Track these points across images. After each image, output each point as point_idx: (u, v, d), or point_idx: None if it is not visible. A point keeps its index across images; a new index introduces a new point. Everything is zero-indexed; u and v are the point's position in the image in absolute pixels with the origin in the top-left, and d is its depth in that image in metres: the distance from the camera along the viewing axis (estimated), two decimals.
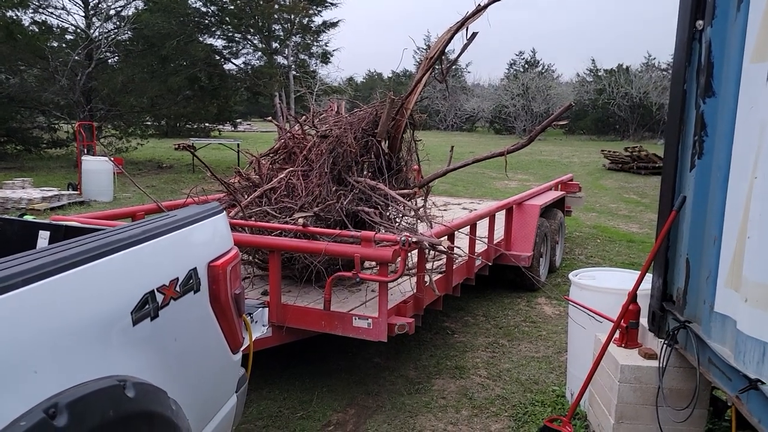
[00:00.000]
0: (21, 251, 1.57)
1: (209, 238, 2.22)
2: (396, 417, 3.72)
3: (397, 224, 4.40)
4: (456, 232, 4.71)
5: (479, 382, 4.24)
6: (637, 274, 3.15)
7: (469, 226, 4.99)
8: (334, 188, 4.17)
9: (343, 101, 5.13)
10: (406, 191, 4.42)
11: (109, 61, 19.96)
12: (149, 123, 21.51)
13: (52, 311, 1.42)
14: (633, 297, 3.06)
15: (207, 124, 23.65)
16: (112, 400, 1.47)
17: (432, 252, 4.08)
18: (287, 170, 4.36)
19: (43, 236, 2.28)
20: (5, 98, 17.37)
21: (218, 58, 20.82)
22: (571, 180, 8.92)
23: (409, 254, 3.88)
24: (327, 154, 4.21)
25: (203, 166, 4.25)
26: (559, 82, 46.93)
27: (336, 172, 4.27)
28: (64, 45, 19.25)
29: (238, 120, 29.98)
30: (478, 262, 5.21)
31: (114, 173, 12.10)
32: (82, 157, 12.41)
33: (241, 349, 2.45)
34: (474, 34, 4.18)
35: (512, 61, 53.49)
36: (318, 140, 4.36)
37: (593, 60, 51.51)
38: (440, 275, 4.60)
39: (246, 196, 4.38)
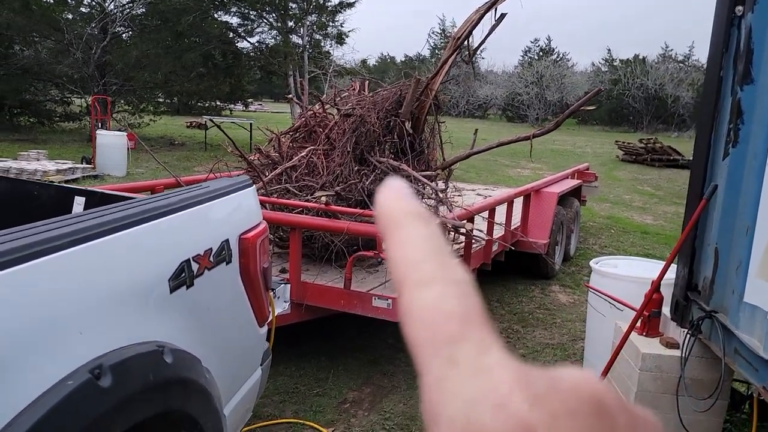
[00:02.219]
0: (56, 216, 1.57)
1: (240, 211, 2.22)
2: (411, 397, 3.74)
3: None
4: (474, 217, 4.68)
5: None
6: (657, 263, 3.13)
7: (487, 211, 4.96)
8: (356, 168, 4.15)
9: (366, 81, 5.09)
10: (428, 173, 4.40)
11: (124, 35, 19.91)
12: (161, 100, 21.49)
13: (96, 273, 1.42)
14: (657, 285, 3.04)
15: (219, 103, 23.61)
16: (152, 364, 1.47)
17: (452, 235, 4.07)
18: (308, 149, 4.34)
19: (78, 202, 2.28)
20: (19, 70, 17.38)
21: (233, 35, 20.71)
22: (587, 169, 8.87)
23: None
24: (350, 134, 4.19)
25: (228, 141, 4.23)
26: (574, 71, 46.53)
27: (358, 152, 4.25)
28: (78, 18, 19.19)
29: (250, 100, 29.92)
30: (495, 248, 5.19)
31: (128, 148, 12.11)
32: (97, 131, 12.42)
33: (266, 323, 2.45)
34: (502, 15, 4.12)
35: (527, 49, 53.10)
36: (340, 119, 4.34)
37: (609, 50, 50.99)
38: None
39: (266, 174, 4.37)
